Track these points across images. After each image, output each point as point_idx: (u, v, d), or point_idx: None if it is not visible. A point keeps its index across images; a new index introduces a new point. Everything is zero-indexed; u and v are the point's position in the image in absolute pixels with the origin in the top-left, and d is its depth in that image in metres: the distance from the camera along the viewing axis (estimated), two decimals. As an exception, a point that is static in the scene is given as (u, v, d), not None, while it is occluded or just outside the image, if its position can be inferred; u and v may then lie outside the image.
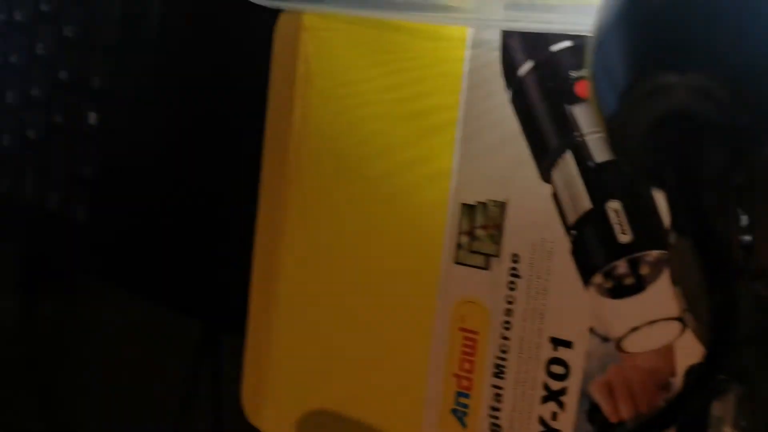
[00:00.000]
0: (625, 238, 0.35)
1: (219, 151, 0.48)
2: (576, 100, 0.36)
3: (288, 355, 0.42)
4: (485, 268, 0.38)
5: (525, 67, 0.37)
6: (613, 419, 0.36)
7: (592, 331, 0.36)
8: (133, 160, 0.53)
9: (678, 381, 0.35)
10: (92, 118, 0.54)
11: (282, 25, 0.40)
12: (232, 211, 0.47)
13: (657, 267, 0.35)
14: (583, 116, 0.36)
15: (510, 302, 0.38)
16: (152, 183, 0.52)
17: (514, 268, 0.38)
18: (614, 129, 0.20)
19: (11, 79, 0.58)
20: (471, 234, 0.38)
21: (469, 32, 0.38)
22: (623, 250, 0.35)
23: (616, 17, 0.21)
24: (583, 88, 0.36)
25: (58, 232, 0.56)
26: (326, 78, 0.39)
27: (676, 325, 0.35)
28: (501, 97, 0.38)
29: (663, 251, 0.35)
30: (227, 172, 0.48)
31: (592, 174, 0.36)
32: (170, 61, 0.51)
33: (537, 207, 0.37)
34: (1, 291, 0.62)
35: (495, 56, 0.38)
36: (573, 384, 0.36)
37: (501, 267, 0.38)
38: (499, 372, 0.38)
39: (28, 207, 0.57)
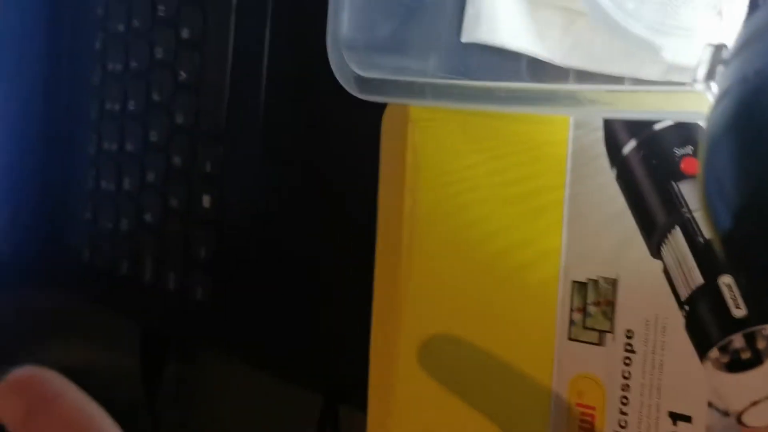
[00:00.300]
0: (739, 312, 0.36)
1: (333, 231, 0.50)
2: (682, 176, 0.37)
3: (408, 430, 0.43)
4: (599, 344, 0.39)
5: (629, 146, 0.38)
6: (737, 494, 0.36)
7: (710, 405, 0.36)
8: (248, 241, 0.55)
9: (802, 455, 0.35)
10: (206, 201, 0.56)
11: (388, 117, 0.42)
12: (347, 288, 0.49)
13: (774, 340, 0.35)
14: (690, 193, 0.37)
15: (626, 377, 0.38)
16: (268, 261, 0.54)
17: (628, 344, 0.38)
18: (728, 245, 0.21)
19: (127, 165, 0.61)
20: (583, 311, 0.39)
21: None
22: (738, 325, 0.36)
23: (724, 131, 0.21)
24: (688, 165, 0.37)
25: (179, 310, 0.58)
26: (434, 166, 0.41)
27: (797, 399, 0.35)
28: (606, 176, 0.38)
29: (779, 324, 0.35)
30: (342, 250, 0.49)
31: (702, 249, 0.36)
32: (278, 144, 0.53)
33: (648, 283, 0.38)
34: (126, 368, 0.64)
35: (598, 136, 0.39)
36: (695, 459, 0.37)
37: (615, 343, 0.38)
38: (619, 448, 0.38)
39: (148, 288, 0.60)
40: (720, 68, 0.25)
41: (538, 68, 0.45)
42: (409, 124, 0.41)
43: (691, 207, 0.37)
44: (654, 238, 0.37)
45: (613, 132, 0.38)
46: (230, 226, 0.56)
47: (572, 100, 0.35)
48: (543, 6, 0.43)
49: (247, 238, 0.55)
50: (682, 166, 0.37)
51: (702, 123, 0.34)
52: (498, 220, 0.40)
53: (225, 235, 0.56)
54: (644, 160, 0.38)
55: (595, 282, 0.39)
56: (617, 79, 0.43)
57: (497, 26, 0.43)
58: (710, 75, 0.26)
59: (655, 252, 0.37)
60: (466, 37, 0.44)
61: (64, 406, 0.23)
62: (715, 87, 0.25)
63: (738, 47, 0.24)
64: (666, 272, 0.37)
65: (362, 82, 0.39)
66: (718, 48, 0.26)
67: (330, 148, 0.49)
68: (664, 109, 0.32)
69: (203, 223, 0.57)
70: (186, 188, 0.57)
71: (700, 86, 0.26)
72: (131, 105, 0.61)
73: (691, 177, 0.37)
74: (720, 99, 0.22)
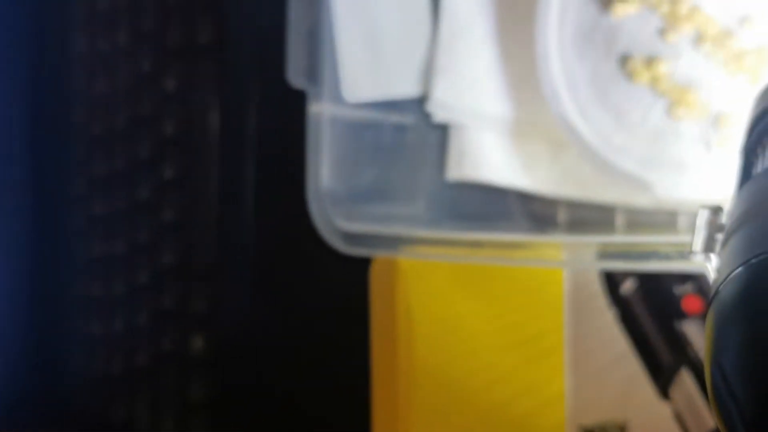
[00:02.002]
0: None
1: (328, 379, 0.48)
2: (684, 316, 0.35)
3: None
4: (613, 491, 0.37)
5: (627, 285, 0.37)
6: None
7: None
8: (244, 381, 0.53)
9: None
10: (199, 342, 0.55)
11: (377, 268, 0.41)
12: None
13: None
14: (694, 332, 0.35)
15: None
16: (265, 402, 0.52)
17: (643, 491, 0.36)
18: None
19: (117, 309, 0.60)
20: (594, 457, 0.37)
21: (565, 253, 0.38)
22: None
23: (730, 326, 0.20)
24: (689, 304, 0.35)
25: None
26: (427, 315, 0.39)
27: None
28: (606, 316, 0.37)
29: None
30: (338, 400, 0.48)
31: (712, 390, 0.35)
32: (269, 285, 0.52)
33: (658, 426, 0.36)
34: None
35: (594, 275, 0.37)
36: None
37: (630, 490, 0.37)
38: None
39: (145, 435, 0.58)
40: (718, 237, 0.24)
41: (527, 200, 0.44)
42: (398, 275, 0.39)
43: (697, 347, 0.35)
44: (661, 380, 0.36)
45: (610, 271, 0.37)
46: (225, 368, 0.54)
47: (561, 260, 0.34)
48: (528, 138, 0.42)
49: (243, 378, 0.54)
50: (684, 305, 0.36)
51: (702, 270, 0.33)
52: (498, 368, 0.39)
53: (220, 376, 0.54)
54: (644, 300, 0.36)
55: (603, 427, 0.37)
56: (609, 209, 0.42)
57: (481, 163, 0.42)
58: (708, 246, 0.24)
59: (664, 394, 0.36)
60: (451, 176, 0.43)
61: None
62: (714, 259, 0.24)
63: (737, 219, 0.23)
64: (676, 414, 0.36)
65: (347, 236, 0.38)
66: (714, 212, 0.25)
67: (320, 293, 0.48)
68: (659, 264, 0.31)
69: (197, 365, 0.55)
70: (177, 330, 0.56)
71: (698, 257, 0.24)
72: (117, 248, 0.59)
73: (694, 316, 0.35)
74: (723, 285, 0.21)
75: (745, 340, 0.20)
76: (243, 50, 0.52)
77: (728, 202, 0.25)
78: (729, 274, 0.21)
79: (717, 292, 0.21)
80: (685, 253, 0.30)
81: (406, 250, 0.37)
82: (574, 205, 0.43)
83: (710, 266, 0.24)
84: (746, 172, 0.26)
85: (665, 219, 0.41)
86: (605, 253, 0.32)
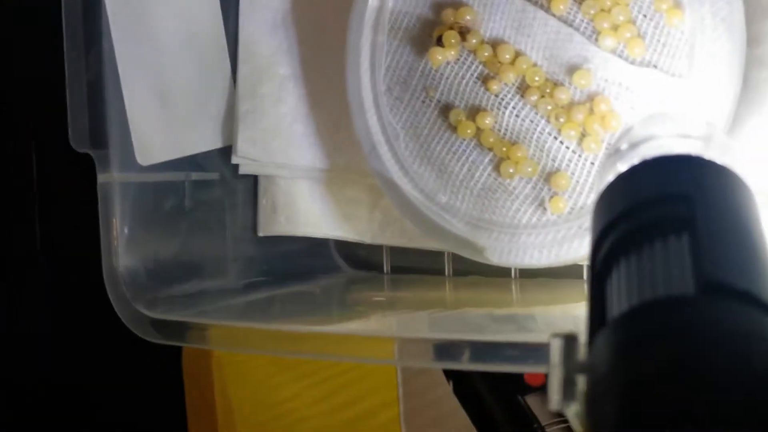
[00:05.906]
0: None
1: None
2: (528, 389, 0.33)
3: None
4: None
5: (465, 356, 0.34)
6: None
7: None
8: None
9: None
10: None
11: (189, 357, 0.36)
12: None
13: None
14: (539, 407, 0.33)
15: None
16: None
17: None
18: None
19: None
20: None
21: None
22: None
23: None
24: (533, 378, 0.33)
25: None
26: (248, 404, 0.36)
27: None
28: (443, 388, 0.34)
29: None
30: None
31: (558, 464, 0.33)
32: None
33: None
34: None
35: (429, 346, 0.34)
36: None
37: None
38: None
39: None
40: (580, 379, 0.21)
41: (349, 247, 0.40)
42: (214, 363, 0.35)
43: (542, 422, 0.33)
44: (505, 457, 0.34)
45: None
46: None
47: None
48: (345, 184, 0.38)
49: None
50: (527, 378, 0.33)
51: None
52: (334, 449, 0.36)
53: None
54: (483, 373, 0.34)
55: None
56: (437, 254, 0.39)
57: (297, 215, 0.38)
58: (568, 393, 0.21)
59: (510, 470, 0.34)
60: (263, 231, 0.39)
61: None
62: (574, 408, 0.21)
63: (605, 375, 0.20)
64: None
65: (153, 323, 0.33)
66: (569, 341, 0.22)
67: (126, 384, 0.44)
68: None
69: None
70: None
71: (555, 402, 0.21)
72: None
73: (538, 389, 0.33)
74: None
75: None
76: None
77: (582, 332, 0.22)
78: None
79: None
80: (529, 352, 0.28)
81: (221, 339, 0.33)
82: (398, 252, 0.40)
83: (570, 414, 0.21)
84: (599, 298, 0.22)
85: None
86: (441, 348, 0.29)
